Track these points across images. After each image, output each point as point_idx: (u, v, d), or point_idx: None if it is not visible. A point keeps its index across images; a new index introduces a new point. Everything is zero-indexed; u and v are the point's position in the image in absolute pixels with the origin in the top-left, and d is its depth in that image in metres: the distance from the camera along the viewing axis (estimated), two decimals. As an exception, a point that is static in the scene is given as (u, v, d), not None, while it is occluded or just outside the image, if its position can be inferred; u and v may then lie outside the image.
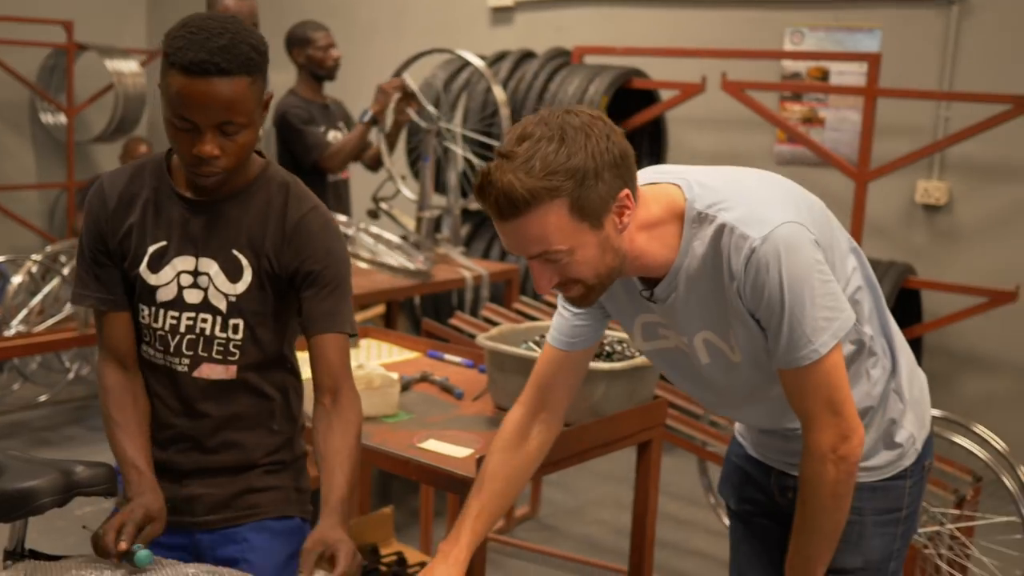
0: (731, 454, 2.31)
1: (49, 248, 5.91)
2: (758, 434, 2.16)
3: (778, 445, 2.11)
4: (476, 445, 2.56)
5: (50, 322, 5.21)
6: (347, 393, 1.96)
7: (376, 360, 3.23)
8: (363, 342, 3.45)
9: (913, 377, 2.09)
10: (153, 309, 1.99)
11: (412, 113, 4.76)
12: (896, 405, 2.03)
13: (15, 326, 5.15)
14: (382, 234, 4.65)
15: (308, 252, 1.96)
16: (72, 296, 2.07)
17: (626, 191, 1.77)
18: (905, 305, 5.49)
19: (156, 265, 1.97)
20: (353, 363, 2.88)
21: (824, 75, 5.93)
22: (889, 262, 5.38)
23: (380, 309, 5.28)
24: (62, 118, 7.94)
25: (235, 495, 2.05)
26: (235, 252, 1.97)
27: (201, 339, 1.98)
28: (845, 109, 5.87)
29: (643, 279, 1.93)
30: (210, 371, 1.99)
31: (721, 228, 1.80)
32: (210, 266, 1.96)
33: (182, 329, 1.98)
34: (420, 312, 6.05)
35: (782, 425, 2.04)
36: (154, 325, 1.99)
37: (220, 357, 1.99)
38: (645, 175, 1.89)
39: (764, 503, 2.21)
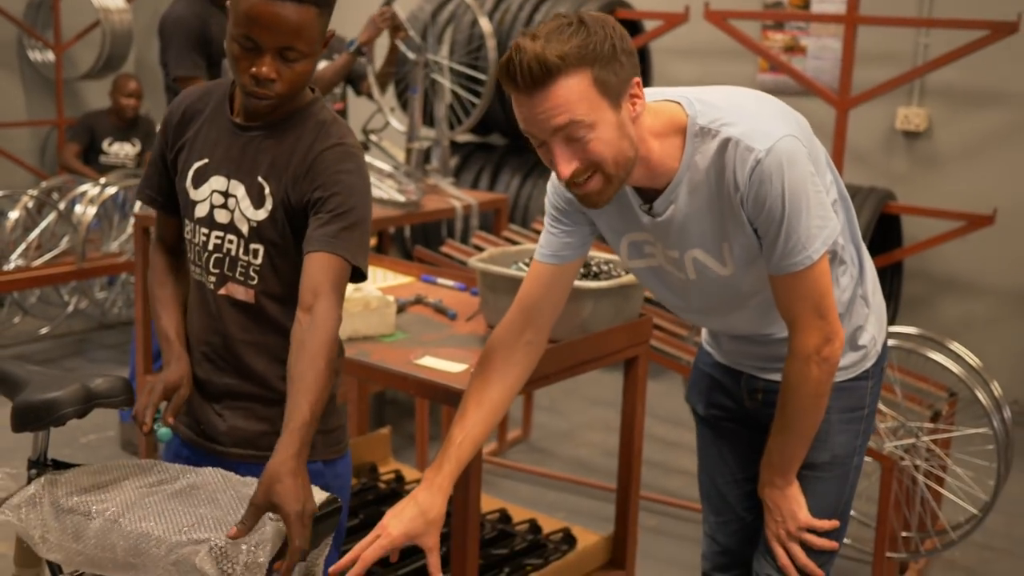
0: (699, 362, 2.42)
1: (44, 184, 5.98)
2: (730, 341, 2.27)
3: (750, 351, 2.23)
4: (470, 361, 2.67)
5: (48, 256, 5.29)
6: (323, 311, 1.89)
7: (371, 284, 3.34)
8: (358, 268, 3.55)
9: (875, 284, 2.21)
10: (192, 225, 2.08)
11: (400, 44, 4.81)
12: (862, 310, 2.15)
13: (14, 261, 5.23)
14: (373, 163, 4.72)
15: (320, 181, 1.97)
16: (136, 192, 2.19)
17: (638, 79, 1.87)
18: (886, 230, 5.61)
19: (197, 181, 2.06)
20: (350, 287, 3.00)
21: (805, 3, 5.99)
22: (870, 188, 5.49)
23: (371, 241, 5.37)
24: (50, 55, 7.94)
25: (261, 434, 2.09)
26: (260, 179, 2.02)
27: (227, 259, 2.05)
28: (826, 37, 5.94)
29: (640, 194, 2.02)
30: (234, 290, 2.06)
31: (726, 142, 1.89)
32: (238, 189, 2.03)
33: (211, 247, 2.05)
34: (411, 242, 6.15)
35: (758, 331, 2.16)
36: (192, 240, 2.09)
37: (242, 279, 2.05)
38: (645, 94, 1.95)
39: (732, 408, 2.33)
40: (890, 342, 3.78)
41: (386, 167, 4.78)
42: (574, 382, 2.71)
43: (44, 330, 5.84)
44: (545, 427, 5.01)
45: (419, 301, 3.17)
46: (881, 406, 3.67)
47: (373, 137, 5.18)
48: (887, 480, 3.46)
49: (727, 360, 2.31)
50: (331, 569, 1.94)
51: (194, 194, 2.07)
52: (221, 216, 2.05)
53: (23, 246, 5.29)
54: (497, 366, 2.12)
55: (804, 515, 2.14)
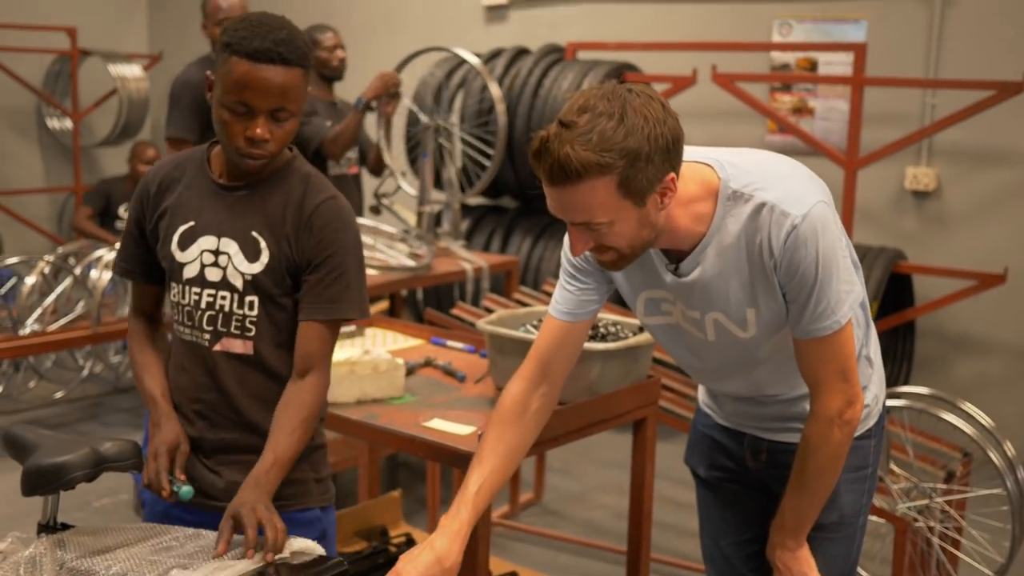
0: (697, 424, 2.41)
1: (60, 249, 6.04)
2: (732, 402, 2.27)
3: (752, 412, 2.23)
4: (478, 423, 2.68)
5: (63, 321, 5.33)
6: (314, 379, 2.10)
7: (381, 347, 3.35)
8: (368, 331, 3.58)
9: (877, 345, 2.22)
10: (179, 287, 2.15)
11: (412, 106, 4.91)
12: (866, 370, 2.16)
13: (30, 325, 5.27)
14: (379, 226, 4.76)
15: (318, 238, 2.09)
16: (113, 265, 2.31)
17: (672, 175, 1.84)
18: (897, 289, 5.62)
19: (184, 244, 2.13)
20: (359, 349, 3.04)
21: (813, 66, 6.05)
22: (880, 248, 5.50)
23: (383, 305, 5.40)
24: (68, 123, 8.08)
25: None
26: (254, 234, 2.11)
27: (220, 315, 2.12)
28: (834, 99, 5.99)
29: (666, 253, 2.03)
30: (230, 345, 2.13)
31: (760, 206, 1.90)
32: (230, 246, 2.11)
33: (203, 305, 2.13)
34: (423, 305, 6.18)
35: (765, 392, 2.17)
36: (182, 301, 2.15)
37: (238, 332, 2.12)
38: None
39: (734, 469, 2.33)
40: (902, 402, 3.81)
41: (395, 230, 4.83)
42: (586, 444, 2.69)
43: (59, 394, 5.87)
44: (558, 489, 5.00)
45: (428, 364, 3.19)
46: (893, 466, 3.65)
47: (385, 201, 5.23)
48: (901, 542, 3.43)
49: (728, 421, 2.31)
50: None
51: (181, 256, 2.14)
52: (212, 274, 2.12)
53: (39, 311, 5.33)
54: (513, 416, 2.12)
55: None
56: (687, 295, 2.03)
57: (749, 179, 1.93)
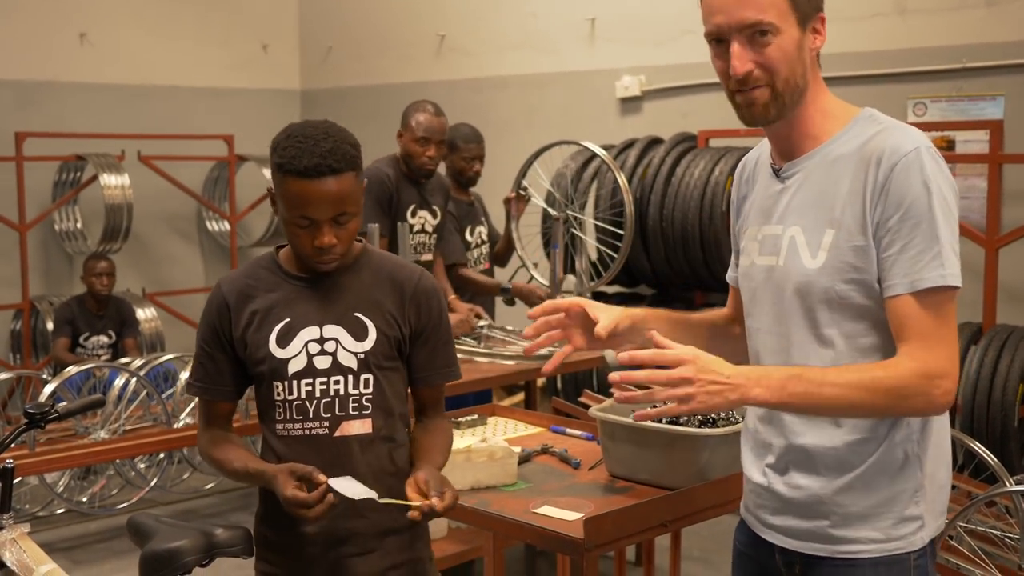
0: (736, 542, 2.20)
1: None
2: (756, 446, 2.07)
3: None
4: (587, 509, 2.71)
5: (214, 414, 5.57)
6: (445, 420, 2.42)
7: (501, 435, 3.42)
8: (490, 419, 3.65)
9: (946, 453, 1.99)
10: (284, 383, 2.20)
11: (539, 201, 5.12)
12: (914, 475, 1.93)
13: (184, 419, 5.53)
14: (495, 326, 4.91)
15: (424, 311, 2.28)
16: (186, 387, 2.35)
17: (823, 16, 1.91)
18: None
19: (283, 341, 2.21)
20: (477, 437, 3.13)
21: (950, 144, 5.95)
22: (1026, 327, 5.32)
23: (519, 396, 5.47)
24: (226, 225, 8.50)
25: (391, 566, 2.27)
26: (357, 315, 2.23)
27: (337, 400, 2.21)
28: (973, 177, 5.86)
29: (778, 155, 2.00)
30: (349, 427, 2.21)
31: (888, 128, 1.88)
32: (335, 331, 2.21)
33: (317, 394, 2.20)
34: (562, 394, 6.23)
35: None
36: (289, 397, 2.20)
37: (356, 413, 2.21)
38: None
39: None
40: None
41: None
42: (726, 530, 2.58)
43: (210, 485, 6.10)
44: (696, 579, 4.92)
45: (545, 451, 3.23)
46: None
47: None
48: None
49: (758, 520, 2.09)
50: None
51: (283, 353, 2.20)
52: (321, 362, 2.20)
53: (192, 404, 5.58)
54: (706, 324, 2.24)
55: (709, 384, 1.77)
56: (777, 204, 1.98)
57: (893, 121, 1.91)
